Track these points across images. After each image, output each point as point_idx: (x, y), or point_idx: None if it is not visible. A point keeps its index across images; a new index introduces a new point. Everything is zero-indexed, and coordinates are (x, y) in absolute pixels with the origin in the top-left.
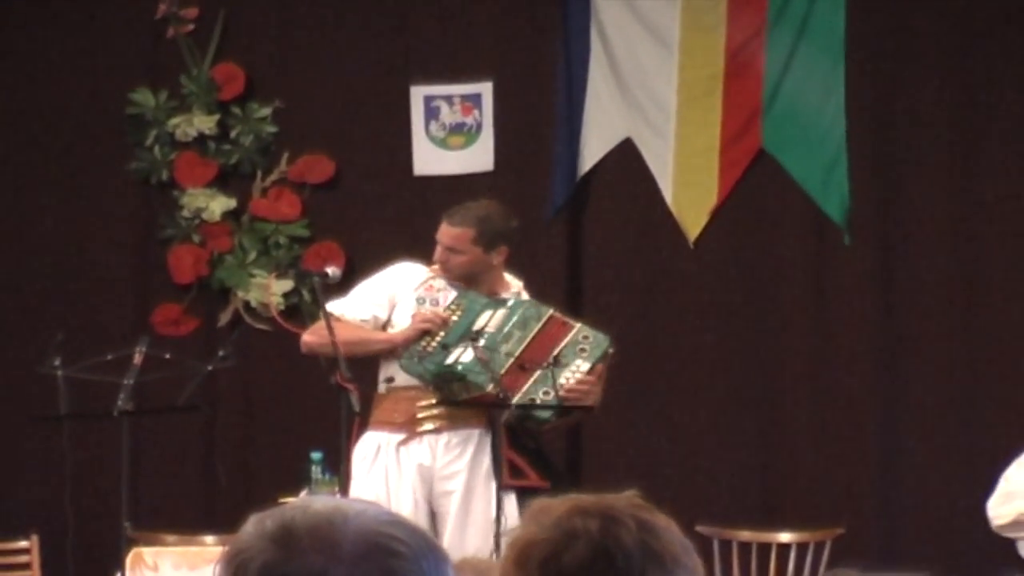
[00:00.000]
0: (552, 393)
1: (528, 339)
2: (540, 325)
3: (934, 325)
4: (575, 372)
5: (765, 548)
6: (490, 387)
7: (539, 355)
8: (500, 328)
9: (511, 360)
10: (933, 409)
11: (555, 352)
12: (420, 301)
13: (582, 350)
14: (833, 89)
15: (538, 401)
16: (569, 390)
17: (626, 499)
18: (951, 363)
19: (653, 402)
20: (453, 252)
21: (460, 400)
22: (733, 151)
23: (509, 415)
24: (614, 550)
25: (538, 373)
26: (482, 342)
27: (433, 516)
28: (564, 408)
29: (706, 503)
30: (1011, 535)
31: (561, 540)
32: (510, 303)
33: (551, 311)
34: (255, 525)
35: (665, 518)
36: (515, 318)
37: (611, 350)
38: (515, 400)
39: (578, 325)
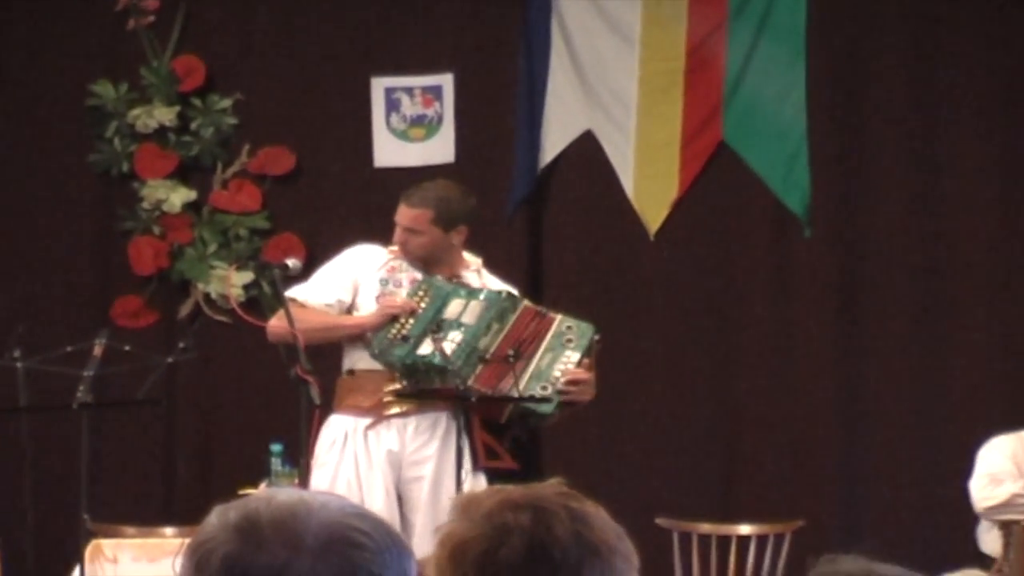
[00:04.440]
0: (549, 388)
1: (505, 331)
2: (515, 316)
3: (895, 318)
4: (567, 363)
5: (725, 541)
6: (457, 381)
7: (508, 347)
8: (479, 321)
9: (488, 354)
10: (894, 401)
11: (541, 344)
12: (383, 283)
13: (568, 340)
14: (794, 83)
15: (537, 396)
16: (569, 383)
17: (553, 488)
18: (912, 355)
19: (613, 394)
20: (412, 233)
21: (424, 392)
22: (694, 144)
23: (511, 411)
24: (549, 544)
25: (531, 368)
26: (459, 334)
27: (400, 501)
28: (564, 403)
29: (666, 495)
30: (998, 517)
31: (494, 536)
32: (483, 294)
33: (524, 302)
34: (219, 516)
35: (593, 505)
36: (492, 311)
37: (596, 337)
38: (507, 392)
39: (559, 316)
